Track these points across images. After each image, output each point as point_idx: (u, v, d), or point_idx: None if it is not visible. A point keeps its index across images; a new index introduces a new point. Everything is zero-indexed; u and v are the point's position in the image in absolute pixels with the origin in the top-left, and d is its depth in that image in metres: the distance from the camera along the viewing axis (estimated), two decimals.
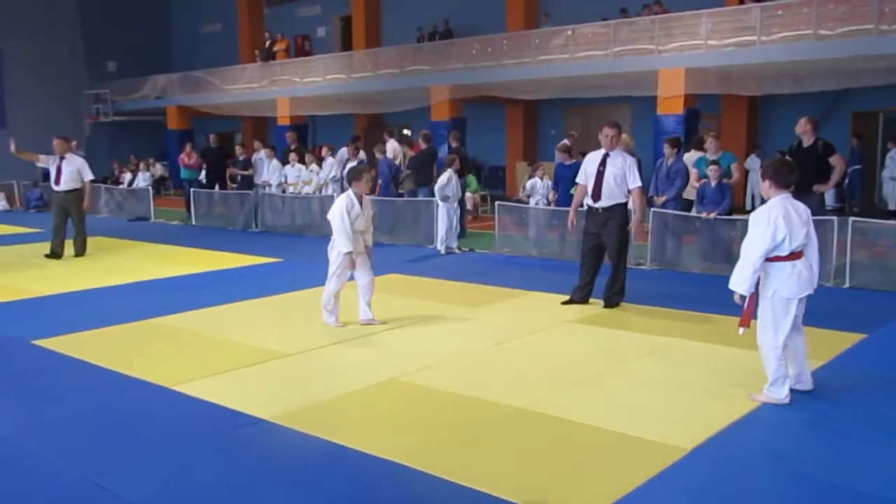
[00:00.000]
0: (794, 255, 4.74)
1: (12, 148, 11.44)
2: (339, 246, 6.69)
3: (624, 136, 11.52)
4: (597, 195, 7.48)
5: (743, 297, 4.75)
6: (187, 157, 17.49)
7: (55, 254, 11.30)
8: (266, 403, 4.87)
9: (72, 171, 11.27)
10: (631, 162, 7.47)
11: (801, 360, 4.98)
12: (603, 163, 7.44)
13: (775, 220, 4.65)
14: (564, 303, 7.77)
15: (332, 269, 6.82)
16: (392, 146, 14.62)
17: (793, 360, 4.94)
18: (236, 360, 5.90)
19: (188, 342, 6.52)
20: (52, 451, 4.23)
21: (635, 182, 7.36)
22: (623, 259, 7.61)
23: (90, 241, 11.82)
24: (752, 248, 4.69)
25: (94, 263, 10.90)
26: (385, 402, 5.02)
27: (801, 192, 9.36)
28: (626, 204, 7.52)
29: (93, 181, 11.69)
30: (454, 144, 13.61)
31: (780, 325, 4.75)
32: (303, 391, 5.21)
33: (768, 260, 4.73)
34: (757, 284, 4.81)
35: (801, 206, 4.85)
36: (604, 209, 7.47)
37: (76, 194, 11.35)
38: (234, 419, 4.63)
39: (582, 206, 7.77)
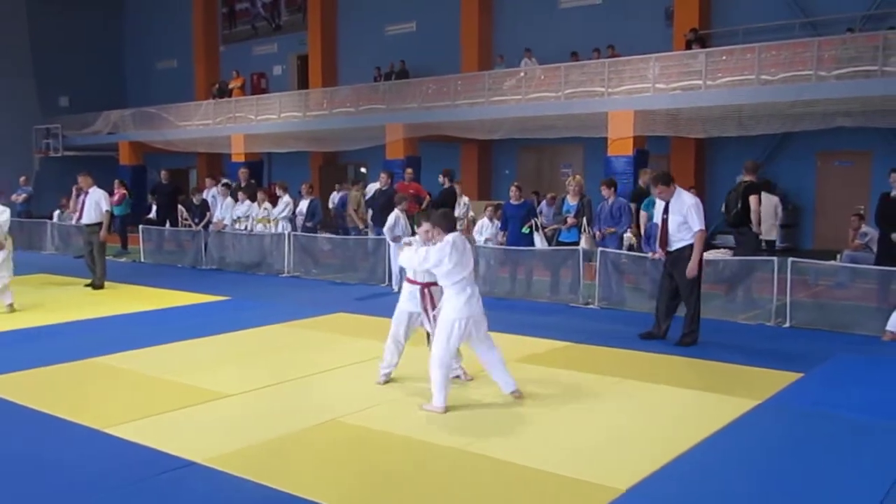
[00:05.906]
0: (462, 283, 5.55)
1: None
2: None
3: (577, 176, 11.75)
4: (664, 242, 7.71)
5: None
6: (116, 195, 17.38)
7: (94, 285, 11.72)
8: (200, 445, 4.77)
9: (91, 204, 11.69)
10: (690, 205, 7.51)
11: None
12: (666, 210, 7.65)
13: (451, 251, 5.47)
14: (641, 335, 7.91)
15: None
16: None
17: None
18: (174, 400, 5.77)
19: (126, 382, 6.36)
20: None
21: (695, 226, 7.47)
22: (692, 300, 7.67)
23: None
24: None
25: (35, 301, 10.60)
26: (322, 444, 4.95)
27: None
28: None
29: (109, 212, 12.07)
30: (447, 184, 13.53)
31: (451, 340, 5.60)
32: (239, 433, 5.11)
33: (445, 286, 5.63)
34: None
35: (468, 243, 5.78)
36: (674, 251, 7.69)
37: (96, 227, 11.68)
38: (163, 463, 4.51)
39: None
